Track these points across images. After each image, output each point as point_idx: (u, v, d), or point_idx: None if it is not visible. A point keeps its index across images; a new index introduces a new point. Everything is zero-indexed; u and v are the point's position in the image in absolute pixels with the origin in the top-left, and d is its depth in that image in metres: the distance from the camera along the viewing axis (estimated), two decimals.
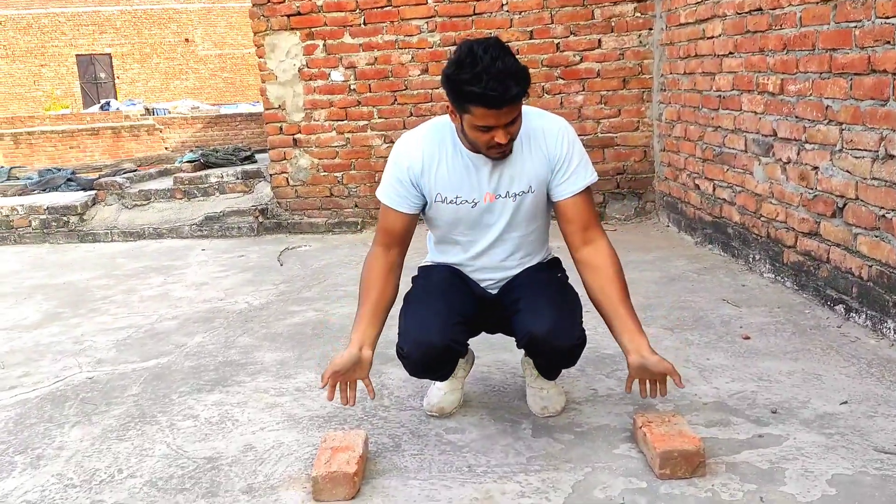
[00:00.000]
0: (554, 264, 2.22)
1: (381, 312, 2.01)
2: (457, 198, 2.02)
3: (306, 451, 2.08)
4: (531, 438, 2.09)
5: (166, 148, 15.35)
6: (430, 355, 2.02)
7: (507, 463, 1.96)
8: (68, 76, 25.19)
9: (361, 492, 1.85)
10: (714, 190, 4.04)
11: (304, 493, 1.86)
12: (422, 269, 2.23)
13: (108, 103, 20.45)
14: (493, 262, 2.13)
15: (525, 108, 1.94)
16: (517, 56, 1.82)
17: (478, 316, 2.14)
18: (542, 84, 5.06)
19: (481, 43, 1.78)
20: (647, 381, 1.96)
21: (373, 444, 2.09)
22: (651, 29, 4.91)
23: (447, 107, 1.90)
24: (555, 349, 2.02)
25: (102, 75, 25.75)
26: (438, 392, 2.26)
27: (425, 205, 2.06)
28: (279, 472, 1.98)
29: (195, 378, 2.69)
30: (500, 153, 1.92)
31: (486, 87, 1.74)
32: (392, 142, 5.27)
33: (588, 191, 2.04)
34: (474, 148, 1.97)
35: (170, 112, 17.84)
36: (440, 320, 2.00)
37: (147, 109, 18.27)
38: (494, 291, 2.16)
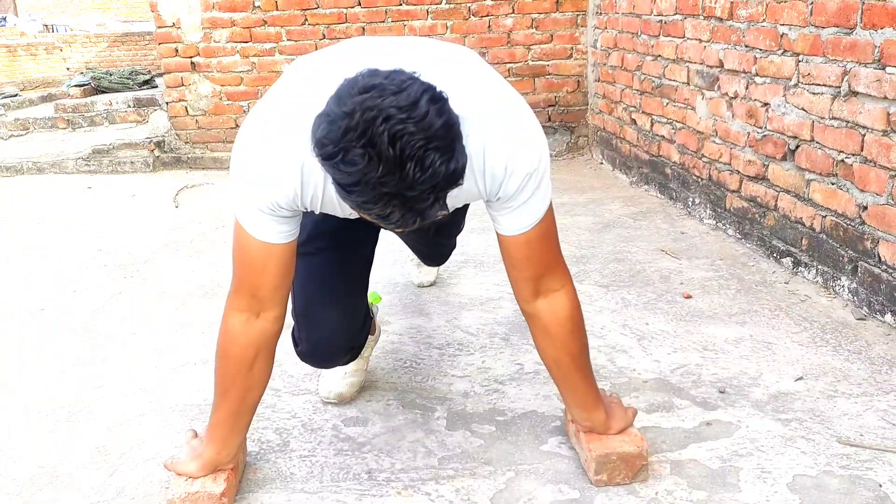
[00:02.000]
0: None
1: (246, 413, 1.50)
2: (349, 216, 1.39)
3: (172, 453, 1.70)
4: (445, 431, 1.76)
5: (68, 69, 14.11)
6: (334, 358, 1.71)
7: (414, 466, 1.63)
8: None
9: None
10: (652, 126, 3.72)
11: None
12: None
13: (3, 19, 18.72)
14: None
15: (460, 83, 1.20)
16: None
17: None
18: (469, 5, 4.60)
19: (385, 120, 0.97)
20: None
21: (255, 441, 1.73)
22: None
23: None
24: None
25: None
26: (336, 375, 1.89)
27: None
28: (132, 485, 1.60)
29: (51, 352, 2.25)
30: None
31: (381, 212, 1.04)
32: None
33: (547, 219, 1.39)
34: None
35: (72, 29, 16.44)
36: (341, 311, 1.62)
37: (46, 26, 16.79)
38: None
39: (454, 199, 1.29)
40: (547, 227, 1.41)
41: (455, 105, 1.07)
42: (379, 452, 1.68)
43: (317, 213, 1.36)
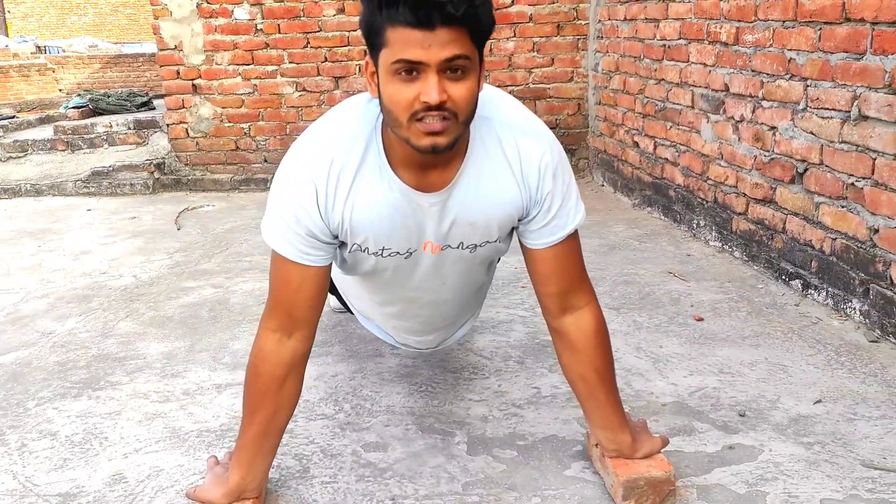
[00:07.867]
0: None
1: (274, 435, 1.49)
2: (382, 250, 1.43)
3: (191, 480, 1.68)
4: (466, 456, 1.74)
5: (60, 90, 14.11)
6: None
7: (438, 492, 1.61)
8: None
9: None
10: (655, 148, 3.74)
11: None
12: None
13: None
14: (417, 327, 1.81)
15: (496, 102, 1.39)
16: None
17: None
18: None
19: None
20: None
21: (275, 468, 1.71)
22: None
23: (365, 66, 1.26)
24: None
25: None
26: None
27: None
28: None
29: (60, 379, 2.22)
30: (431, 135, 1.19)
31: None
32: (305, 90, 4.77)
33: (572, 238, 1.50)
34: (405, 158, 1.31)
35: (64, 50, 16.44)
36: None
37: (38, 47, 16.78)
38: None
39: (505, 207, 1.41)
40: (573, 244, 1.52)
41: (489, 109, 1.35)
42: (401, 478, 1.67)
43: (345, 236, 1.41)
